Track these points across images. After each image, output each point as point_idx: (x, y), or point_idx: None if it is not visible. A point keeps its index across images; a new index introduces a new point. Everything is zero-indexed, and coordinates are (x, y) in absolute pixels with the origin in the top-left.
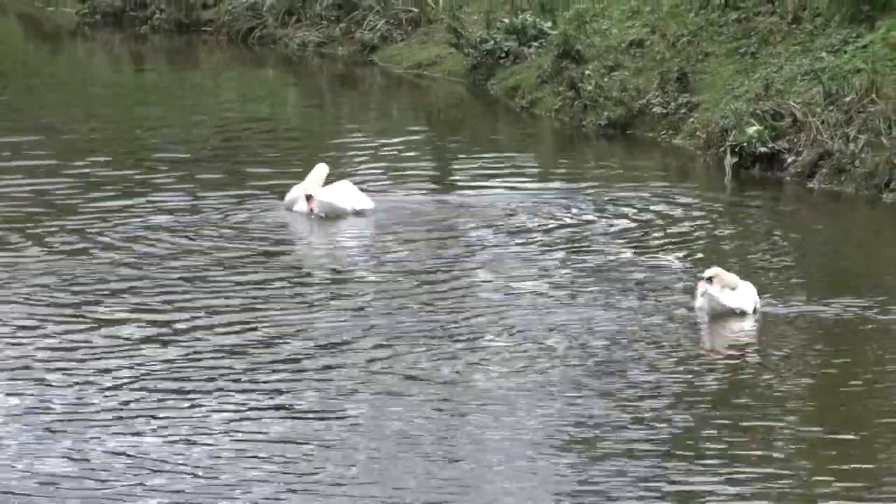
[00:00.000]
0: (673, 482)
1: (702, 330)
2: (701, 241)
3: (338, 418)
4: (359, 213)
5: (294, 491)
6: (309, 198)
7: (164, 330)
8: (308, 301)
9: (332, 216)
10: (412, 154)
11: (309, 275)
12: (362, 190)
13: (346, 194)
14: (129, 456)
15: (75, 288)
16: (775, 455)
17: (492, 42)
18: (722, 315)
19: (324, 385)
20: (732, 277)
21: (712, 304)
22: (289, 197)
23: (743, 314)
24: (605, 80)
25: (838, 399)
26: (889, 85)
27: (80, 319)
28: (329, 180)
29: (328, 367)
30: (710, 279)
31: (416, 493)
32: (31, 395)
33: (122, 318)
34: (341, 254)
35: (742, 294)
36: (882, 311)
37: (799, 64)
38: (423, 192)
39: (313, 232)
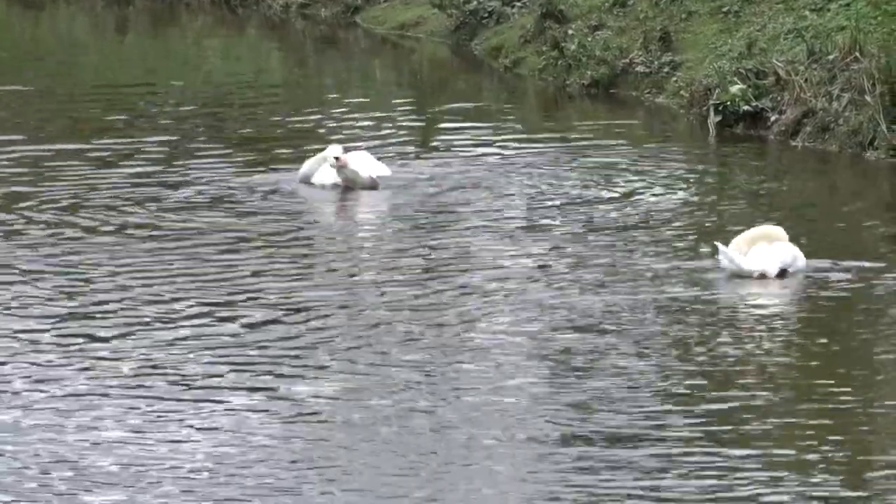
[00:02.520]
0: (679, 473)
1: (703, 296)
2: (685, 200)
3: (326, 402)
4: (376, 183)
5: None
6: (338, 158)
7: (150, 305)
8: (303, 275)
9: (352, 186)
10: (398, 118)
11: (308, 249)
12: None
13: (365, 163)
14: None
15: (66, 264)
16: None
17: (475, 2)
18: (742, 277)
19: (313, 368)
20: (770, 232)
21: (730, 267)
22: (303, 171)
23: (763, 277)
24: (589, 39)
25: (828, 368)
26: (872, 43)
27: (71, 299)
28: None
29: (317, 346)
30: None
31: (403, 489)
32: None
33: (119, 296)
34: (338, 227)
35: (765, 255)
36: (868, 270)
37: (782, 22)
38: (412, 158)
39: (321, 204)
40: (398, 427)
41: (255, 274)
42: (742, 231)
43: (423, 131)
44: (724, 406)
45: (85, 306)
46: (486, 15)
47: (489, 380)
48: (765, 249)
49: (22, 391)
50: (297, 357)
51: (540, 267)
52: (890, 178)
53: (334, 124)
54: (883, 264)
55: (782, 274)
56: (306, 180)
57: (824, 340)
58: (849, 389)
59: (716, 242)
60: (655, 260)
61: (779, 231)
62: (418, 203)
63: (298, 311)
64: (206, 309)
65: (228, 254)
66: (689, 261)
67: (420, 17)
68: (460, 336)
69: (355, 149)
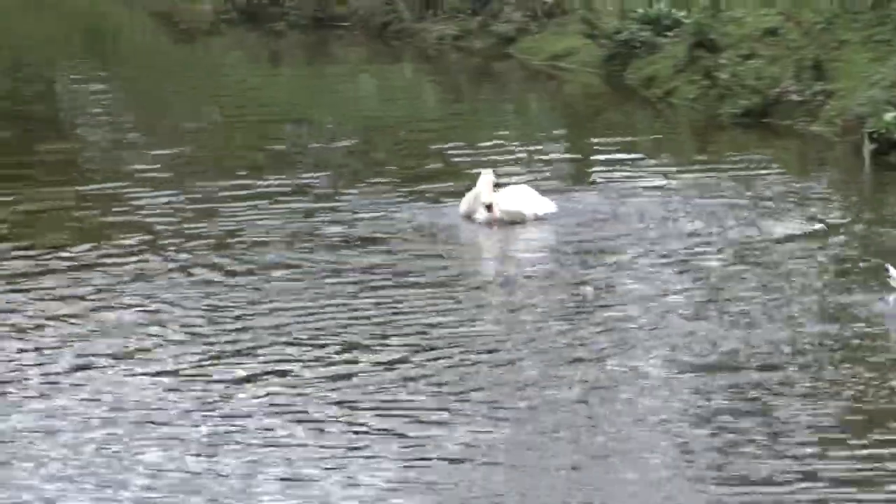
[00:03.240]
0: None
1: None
2: (845, 230)
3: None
4: (540, 218)
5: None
6: (489, 207)
7: (296, 343)
8: (453, 311)
9: (514, 222)
10: (553, 151)
11: (461, 285)
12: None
13: (526, 199)
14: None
15: (213, 303)
16: None
17: (626, 32)
18: None
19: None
20: None
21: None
22: (463, 207)
23: None
24: (741, 68)
25: None
26: None
27: (214, 339)
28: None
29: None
30: None
31: None
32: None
33: (265, 335)
34: (492, 263)
35: None
36: None
37: None
38: (568, 191)
39: (478, 239)
40: (547, 465)
41: (407, 311)
42: None
43: (578, 164)
44: (886, 447)
45: (230, 345)
46: (637, 45)
47: (636, 417)
48: None
49: (167, 431)
50: (443, 395)
51: (697, 301)
52: None
53: (490, 158)
54: None
55: None
56: (468, 216)
57: None
58: None
59: (887, 265)
60: (817, 293)
61: None
62: (574, 236)
63: (448, 346)
64: (355, 346)
65: (382, 290)
66: (853, 293)
67: (572, 48)
68: (610, 371)
69: (515, 183)
